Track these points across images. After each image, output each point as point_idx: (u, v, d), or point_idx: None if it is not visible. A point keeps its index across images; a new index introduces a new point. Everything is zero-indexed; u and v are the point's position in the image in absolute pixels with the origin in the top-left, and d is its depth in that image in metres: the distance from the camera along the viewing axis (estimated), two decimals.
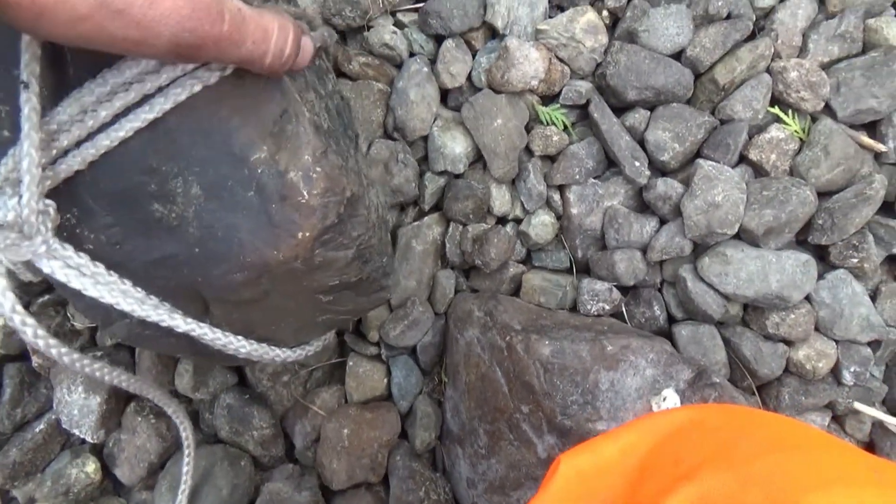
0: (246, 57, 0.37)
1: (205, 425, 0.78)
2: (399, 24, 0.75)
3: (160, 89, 0.40)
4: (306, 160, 0.42)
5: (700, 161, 0.70)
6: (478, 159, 0.76)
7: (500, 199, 0.76)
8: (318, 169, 0.43)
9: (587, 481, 0.47)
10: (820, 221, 0.69)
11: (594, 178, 0.75)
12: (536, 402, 0.63)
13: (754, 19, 0.72)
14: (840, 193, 0.69)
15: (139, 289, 0.46)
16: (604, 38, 0.73)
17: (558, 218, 0.76)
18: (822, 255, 0.72)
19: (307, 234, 0.44)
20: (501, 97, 0.72)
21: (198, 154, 0.42)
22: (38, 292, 0.73)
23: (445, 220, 0.78)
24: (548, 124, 0.74)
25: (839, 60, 0.72)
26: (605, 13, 0.74)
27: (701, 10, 0.71)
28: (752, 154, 0.70)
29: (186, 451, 0.68)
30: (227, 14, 0.34)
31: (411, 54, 0.75)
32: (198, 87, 0.40)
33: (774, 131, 0.70)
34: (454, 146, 0.74)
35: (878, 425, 0.74)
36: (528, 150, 0.75)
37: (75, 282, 0.42)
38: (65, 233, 0.43)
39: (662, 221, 0.73)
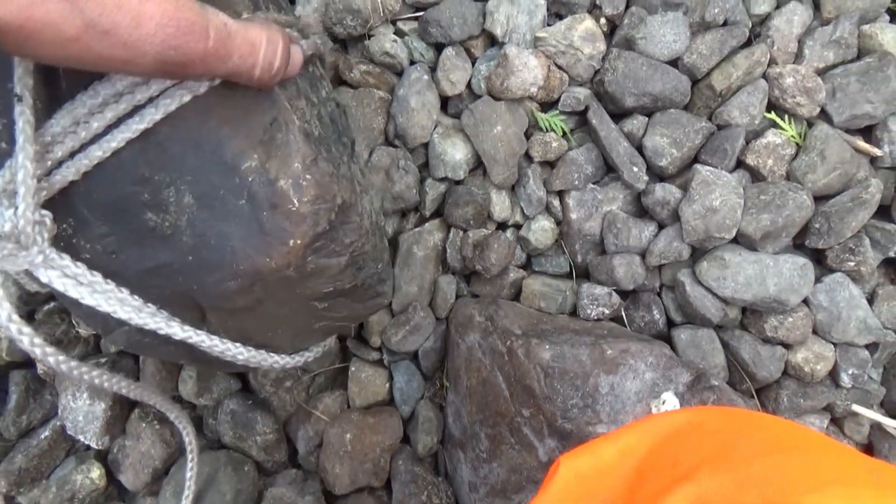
0: (233, 71, 0.38)
1: (208, 431, 0.79)
2: (399, 33, 0.76)
3: (151, 100, 0.40)
4: (296, 168, 0.43)
5: (698, 166, 0.70)
6: (478, 166, 0.77)
7: (501, 205, 0.77)
8: (308, 176, 0.43)
9: (586, 483, 0.48)
10: (817, 225, 0.70)
11: (593, 183, 0.76)
12: (537, 405, 0.64)
13: (750, 26, 0.73)
14: (836, 197, 0.70)
15: (137, 297, 0.46)
16: (602, 46, 0.74)
17: (558, 223, 0.77)
18: (819, 259, 0.73)
19: (298, 242, 0.44)
20: (501, 104, 0.73)
21: (189, 163, 0.42)
22: (44, 300, 0.74)
23: (446, 225, 0.79)
24: (547, 131, 0.75)
25: (834, 66, 0.73)
26: (602, 21, 0.74)
27: (697, 18, 0.72)
28: (750, 159, 0.71)
29: (190, 457, 0.69)
30: (211, 30, 0.34)
31: (412, 62, 0.76)
32: (187, 98, 0.40)
33: (771, 136, 0.71)
34: (454, 153, 0.74)
35: (876, 427, 0.75)
36: (528, 157, 0.76)
37: (73, 290, 0.42)
38: (62, 242, 0.44)
39: (661, 226, 0.74)
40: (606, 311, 0.74)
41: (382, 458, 0.76)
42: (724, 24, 0.73)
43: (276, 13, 0.45)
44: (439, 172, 0.75)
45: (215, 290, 0.46)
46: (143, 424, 0.76)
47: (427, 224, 0.78)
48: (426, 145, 0.76)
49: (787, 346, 0.71)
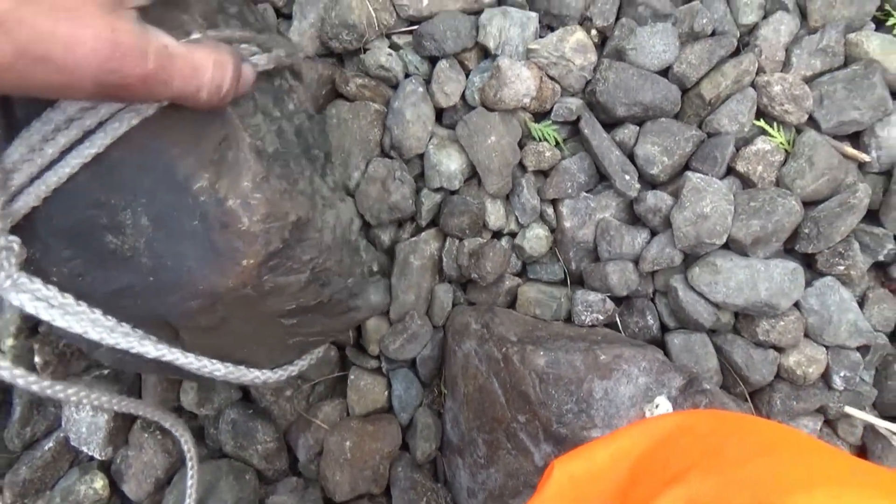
0: (177, 94, 0.37)
1: (210, 440, 0.80)
2: (394, 46, 0.78)
3: (101, 124, 0.40)
4: (245, 186, 0.43)
5: (688, 174, 0.72)
6: (473, 175, 0.78)
7: (495, 214, 0.78)
8: (258, 195, 0.43)
9: (580, 486, 0.49)
10: (806, 230, 0.71)
11: (586, 191, 0.77)
12: (533, 411, 0.65)
13: (738, 36, 0.75)
14: (825, 203, 0.71)
15: (110, 317, 0.46)
16: (593, 57, 0.75)
17: (552, 231, 0.78)
18: (809, 263, 0.74)
19: (251, 261, 0.44)
20: (495, 115, 0.74)
21: (143, 185, 0.42)
22: None
23: (442, 235, 0.80)
24: (540, 140, 0.76)
25: (822, 74, 0.74)
26: (593, 32, 0.76)
27: (686, 28, 0.73)
28: (739, 166, 0.72)
29: (189, 464, 0.69)
30: (151, 54, 0.34)
31: (406, 75, 0.78)
32: (135, 121, 0.40)
33: (760, 143, 0.72)
34: (449, 163, 0.76)
35: (869, 429, 0.75)
36: (522, 166, 0.77)
37: (44, 313, 0.42)
38: (32, 266, 0.44)
39: (653, 233, 0.75)
40: (601, 318, 0.75)
41: (382, 465, 0.77)
42: (713, 34, 0.74)
43: (236, 29, 0.45)
44: (435, 183, 0.77)
45: (178, 309, 0.46)
46: (146, 435, 0.77)
47: (423, 234, 0.79)
48: (422, 156, 0.78)
49: (779, 349, 0.72)
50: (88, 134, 0.41)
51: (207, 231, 0.43)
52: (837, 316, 0.71)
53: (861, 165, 0.74)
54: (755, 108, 0.73)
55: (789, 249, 0.74)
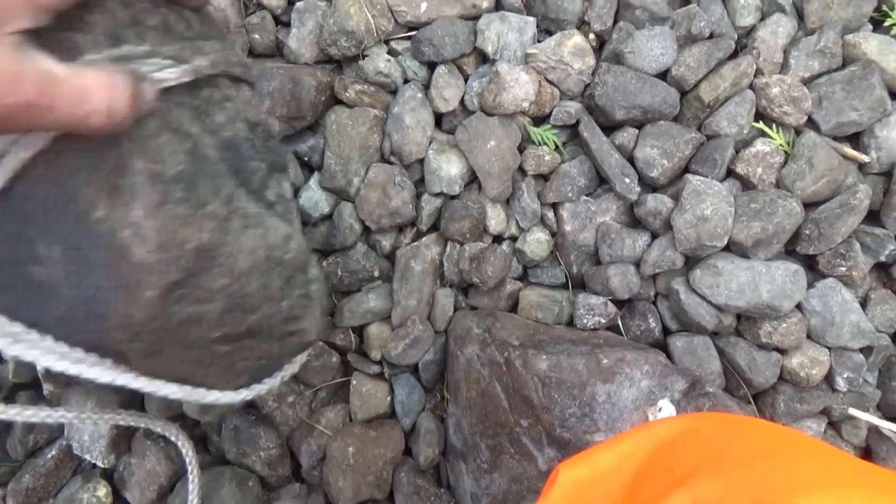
0: (66, 121, 0.34)
1: (212, 447, 0.80)
2: (393, 52, 0.78)
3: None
4: (137, 215, 0.40)
5: (688, 176, 0.72)
6: (473, 180, 0.78)
7: (496, 219, 0.78)
8: (151, 223, 0.41)
9: (584, 490, 0.49)
10: (807, 232, 0.71)
11: (586, 195, 0.77)
12: (535, 415, 0.64)
13: (736, 38, 0.75)
14: (826, 204, 0.71)
15: (62, 343, 0.45)
16: (591, 60, 0.75)
17: (552, 235, 0.78)
18: (811, 265, 0.74)
19: (152, 293, 0.42)
20: (494, 119, 0.75)
21: (51, 217, 0.41)
22: None
23: (443, 239, 0.80)
24: (540, 144, 0.76)
25: (820, 75, 0.75)
26: (591, 36, 0.76)
27: (684, 31, 0.74)
28: (739, 168, 0.72)
29: (191, 475, 0.69)
30: (30, 80, 0.32)
31: (405, 81, 0.78)
32: (27, 154, 0.38)
33: (760, 145, 0.72)
34: (449, 168, 0.76)
35: (873, 430, 0.75)
36: (522, 170, 0.78)
37: None
38: None
39: (654, 236, 0.75)
40: (602, 321, 0.75)
41: (385, 470, 0.77)
42: (711, 36, 0.75)
43: (146, 43, 0.43)
44: (435, 188, 0.77)
45: (110, 338, 0.44)
46: (149, 442, 0.77)
47: (424, 238, 0.79)
48: (421, 161, 0.78)
49: (782, 351, 0.72)
50: None
51: (109, 262, 0.41)
52: (840, 317, 0.71)
53: (861, 166, 0.74)
54: (754, 109, 0.73)
55: (790, 251, 0.74)
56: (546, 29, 0.78)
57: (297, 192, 0.79)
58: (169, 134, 0.43)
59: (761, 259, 0.71)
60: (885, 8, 0.75)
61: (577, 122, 0.76)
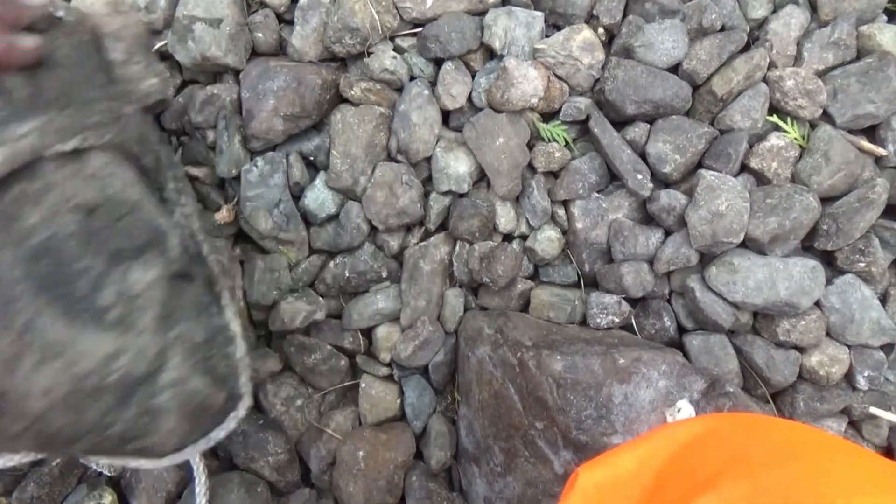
0: None
1: (221, 451, 0.79)
2: (398, 49, 0.77)
3: None
4: None
5: (702, 171, 0.70)
6: (481, 178, 0.77)
7: (506, 217, 0.77)
8: None
9: (605, 494, 0.47)
10: (825, 227, 0.69)
11: (597, 192, 0.76)
12: (551, 417, 0.63)
13: (748, 30, 0.73)
14: (843, 198, 0.70)
15: None
16: (600, 55, 0.74)
17: (564, 233, 0.77)
18: (829, 261, 0.72)
19: None
20: (502, 116, 0.73)
21: None
22: None
23: (452, 239, 0.79)
24: (549, 141, 0.75)
25: (834, 67, 0.73)
26: (600, 30, 0.75)
27: (695, 24, 0.72)
28: (754, 163, 0.71)
29: (198, 479, 0.68)
30: None
31: (412, 78, 0.77)
32: None
33: (774, 139, 0.71)
34: (458, 166, 0.75)
35: (895, 429, 0.74)
36: (531, 167, 0.76)
37: None
38: None
39: (668, 233, 0.73)
40: (616, 320, 0.74)
41: (396, 474, 0.76)
42: (722, 29, 0.73)
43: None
44: (443, 186, 0.75)
45: None
46: None
47: (432, 238, 0.78)
48: (429, 159, 0.77)
49: (800, 349, 0.71)
50: None
51: None
52: (860, 314, 0.69)
53: (878, 160, 0.72)
54: (768, 103, 0.72)
55: (807, 247, 0.72)
56: (554, 24, 0.76)
57: (302, 191, 0.78)
58: None
59: (778, 255, 0.70)
60: None
61: (588, 118, 0.74)
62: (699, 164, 0.73)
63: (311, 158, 0.78)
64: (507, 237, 0.79)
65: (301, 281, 0.79)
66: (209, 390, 0.51)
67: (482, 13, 0.75)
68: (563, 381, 0.62)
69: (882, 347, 0.71)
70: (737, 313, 0.71)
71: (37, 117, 0.40)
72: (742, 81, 0.71)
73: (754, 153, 0.71)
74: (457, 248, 0.78)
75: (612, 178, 0.76)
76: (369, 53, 0.76)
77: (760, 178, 0.72)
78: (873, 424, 0.74)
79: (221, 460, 0.79)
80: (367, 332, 0.81)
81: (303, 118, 0.75)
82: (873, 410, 0.72)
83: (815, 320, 0.69)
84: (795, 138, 0.71)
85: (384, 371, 0.79)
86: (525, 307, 0.79)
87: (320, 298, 0.79)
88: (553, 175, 0.77)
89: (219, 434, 0.55)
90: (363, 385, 0.79)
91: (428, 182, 0.78)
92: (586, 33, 0.73)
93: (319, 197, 0.77)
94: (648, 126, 0.73)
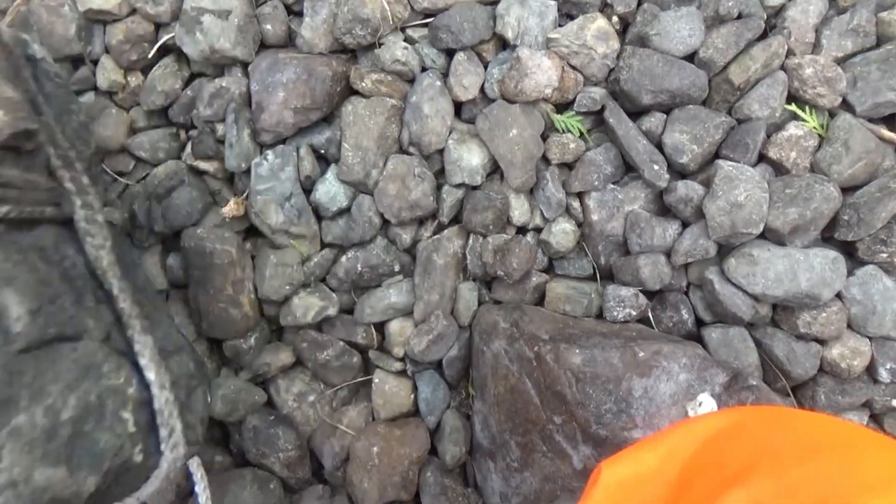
0: None
1: (234, 447, 0.78)
2: (409, 40, 0.76)
3: None
4: None
5: (719, 162, 0.69)
6: (495, 170, 0.76)
7: (520, 209, 0.76)
8: None
9: (629, 490, 0.47)
10: (845, 217, 0.68)
11: (613, 183, 0.75)
12: (569, 412, 0.62)
13: (765, 18, 0.72)
14: (864, 188, 0.68)
15: None
16: (615, 44, 0.73)
17: (579, 225, 0.76)
18: (850, 252, 0.71)
19: None
20: (515, 107, 0.72)
21: None
22: None
23: (465, 232, 0.78)
24: (564, 132, 0.74)
25: (854, 55, 0.72)
26: (615, 19, 0.74)
27: (711, 12, 0.71)
28: (772, 152, 0.70)
29: (199, 486, 0.67)
30: None
31: (423, 69, 0.76)
32: None
33: (793, 129, 0.70)
34: (471, 158, 0.74)
35: None
36: (545, 159, 0.75)
37: None
38: None
39: (685, 224, 0.72)
40: (633, 313, 0.73)
41: (411, 470, 0.75)
42: (739, 16, 0.72)
43: None
44: (456, 178, 0.74)
45: None
46: None
47: (446, 231, 0.77)
48: (441, 152, 0.76)
49: (821, 341, 0.70)
50: None
51: None
52: (882, 306, 0.68)
53: None
54: (786, 92, 0.71)
55: (828, 238, 0.71)
56: (567, 13, 0.75)
57: (313, 185, 0.77)
58: None
59: (798, 246, 0.68)
60: None
61: (603, 108, 0.73)
62: (716, 155, 0.72)
63: (322, 151, 0.77)
64: (522, 230, 0.78)
65: (313, 275, 0.78)
66: (69, 480, 0.43)
67: (494, 3, 0.74)
68: (582, 375, 0.61)
69: None
70: (756, 305, 0.70)
71: None
72: (760, 70, 0.70)
73: (772, 143, 0.70)
74: (470, 241, 0.77)
75: (627, 169, 0.75)
76: (380, 44, 0.75)
77: (779, 168, 0.71)
78: (894, 418, 0.73)
79: (234, 456, 0.79)
80: (380, 327, 0.80)
81: (313, 110, 0.74)
82: None
83: (836, 312, 0.68)
84: (814, 127, 0.70)
85: (397, 366, 0.79)
86: (540, 301, 0.78)
87: (333, 294, 0.78)
88: (567, 167, 0.76)
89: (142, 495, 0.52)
90: (376, 380, 0.78)
91: (441, 174, 0.77)
92: (600, 22, 0.72)
93: (331, 190, 0.76)
94: (664, 116, 0.72)
